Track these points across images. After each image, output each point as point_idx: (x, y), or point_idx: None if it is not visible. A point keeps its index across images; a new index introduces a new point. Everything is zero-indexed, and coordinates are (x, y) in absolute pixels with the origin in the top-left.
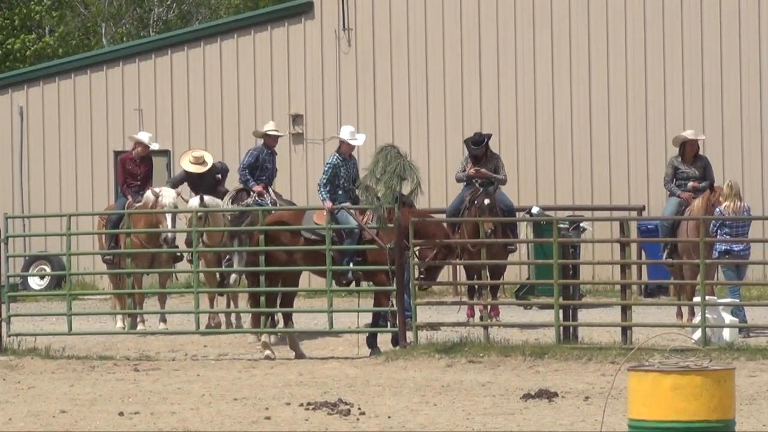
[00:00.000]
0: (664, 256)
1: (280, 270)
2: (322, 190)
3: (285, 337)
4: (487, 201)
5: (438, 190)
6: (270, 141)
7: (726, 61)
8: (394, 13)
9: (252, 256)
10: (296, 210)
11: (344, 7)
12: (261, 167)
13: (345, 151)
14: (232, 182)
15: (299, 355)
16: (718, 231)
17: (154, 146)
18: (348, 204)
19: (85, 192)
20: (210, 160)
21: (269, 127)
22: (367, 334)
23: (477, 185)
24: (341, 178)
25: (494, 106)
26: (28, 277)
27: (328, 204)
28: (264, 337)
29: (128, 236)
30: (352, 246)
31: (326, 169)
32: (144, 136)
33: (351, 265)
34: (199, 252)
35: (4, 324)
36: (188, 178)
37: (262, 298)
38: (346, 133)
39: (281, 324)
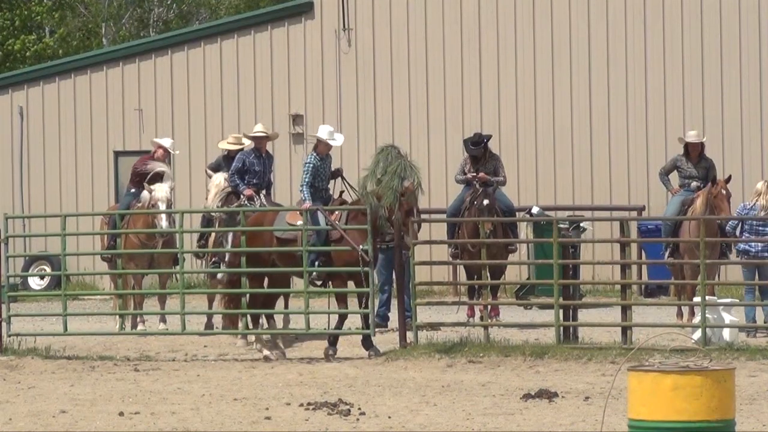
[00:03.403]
0: (666, 256)
1: (263, 271)
2: (305, 190)
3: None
4: (486, 201)
5: (438, 190)
6: (257, 143)
7: (726, 61)
8: (394, 13)
9: (233, 257)
10: (272, 211)
11: (344, 7)
12: (248, 171)
13: (322, 150)
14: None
15: (281, 355)
16: (738, 229)
17: (176, 153)
18: (320, 204)
19: (85, 192)
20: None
21: (255, 129)
22: (362, 336)
23: (477, 186)
24: (317, 177)
25: (494, 106)
26: (28, 277)
27: (308, 204)
28: (261, 337)
29: (120, 236)
30: (327, 247)
31: (307, 168)
32: (167, 142)
33: (316, 264)
34: (193, 252)
35: (4, 324)
36: (225, 159)
37: (244, 300)
38: (324, 132)
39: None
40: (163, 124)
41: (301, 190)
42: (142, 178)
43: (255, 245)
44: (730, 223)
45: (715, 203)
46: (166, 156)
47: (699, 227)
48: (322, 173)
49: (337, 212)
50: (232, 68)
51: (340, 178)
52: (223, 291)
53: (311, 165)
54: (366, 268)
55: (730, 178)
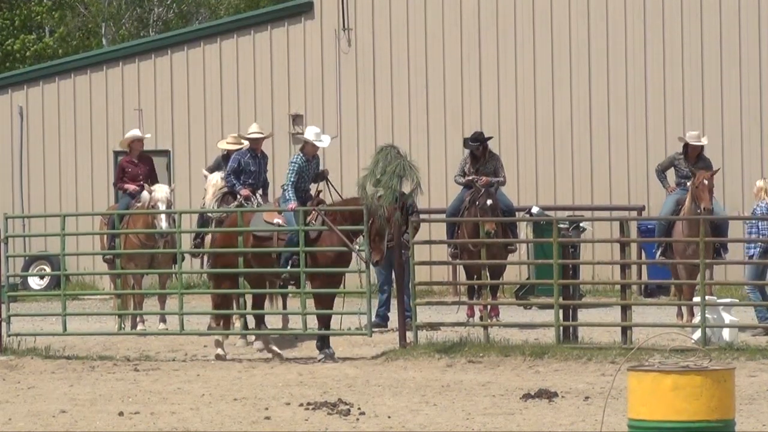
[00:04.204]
0: (657, 255)
1: (238, 272)
2: (289, 190)
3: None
4: (489, 201)
5: (438, 190)
6: (252, 144)
7: (726, 61)
8: (394, 13)
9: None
10: (249, 211)
11: (344, 7)
12: (244, 171)
13: (309, 151)
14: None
15: (276, 355)
16: (753, 229)
17: (147, 136)
18: (292, 204)
19: (85, 192)
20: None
21: (251, 130)
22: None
23: (477, 185)
24: (301, 178)
25: (494, 107)
26: (28, 277)
27: (293, 205)
28: (219, 336)
29: (118, 237)
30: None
31: (293, 168)
32: (134, 132)
33: (289, 265)
34: (188, 252)
35: (4, 324)
36: (224, 160)
37: (241, 300)
38: (311, 133)
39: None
40: (163, 124)
41: (285, 190)
42: (135, 180)
43: (230, 246)
44: (755, 224)
45: (696, 194)
46: (141, 145)
47: (689, 227)
48: (305, 174)
49: (313, 212)
50: (231, 68)
51: (325, 180)
52: (218, 291)
53: (297, 165)
54: (363, 269)
55: (716, 171)
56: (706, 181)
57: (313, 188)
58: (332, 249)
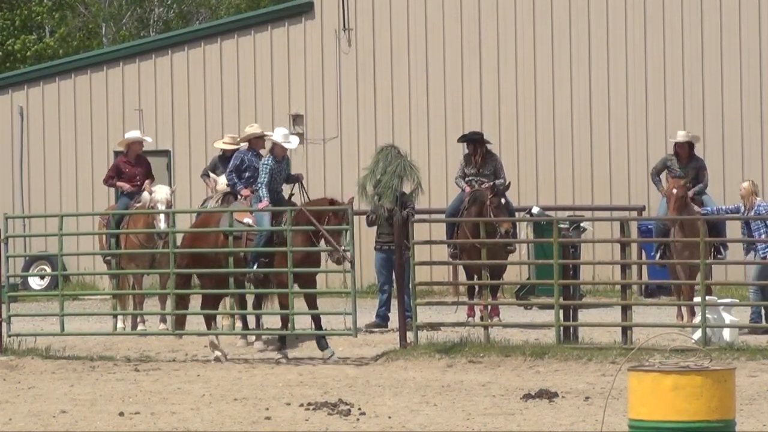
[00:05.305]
0: (657, 256)
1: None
2: (262, 189)
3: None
4: (503, 200)
5: (438, 190)
6: (254, 143)
7: (726, 60)
8: (394, 13)
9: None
10: (220, 211)
11: (344, 7)
12: (248, 168)
13: (278, 153)
14: None
15: (222, 356)
16: (762, 230)
17: (147, 140)
18: (266, 205)
19: (85, 192)
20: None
21: (252, 129)
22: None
23: (478, 186)
24: (273, 179)
25: (494, 106)
26: (28, 277)
27: (265, 203)
28: (212, 338)
29: (114, 237)
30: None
31: (265, 169)
32: (134, 134)
33: (255, 265)
34: (183, 252)
35: (4, 324)
36: (221, 160)
37: (232, 300)
38: (279, 135)
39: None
40: (163, 124)
41: (257, 189)
42: (131, 180)
43: (201, 245)
44: (762, 224)
45: (667, 203)
46: (140, 148)
47: (681, 229)
48: (277, 176)
49: (284, 213)
50: (232, 68)
51: (298, 184)
52: (211, 291)
53: (268, 167)
54: (348, 269)
55: (687, 181)
56: (675, 191)
57: (286, 190)
58: (321, 249)
